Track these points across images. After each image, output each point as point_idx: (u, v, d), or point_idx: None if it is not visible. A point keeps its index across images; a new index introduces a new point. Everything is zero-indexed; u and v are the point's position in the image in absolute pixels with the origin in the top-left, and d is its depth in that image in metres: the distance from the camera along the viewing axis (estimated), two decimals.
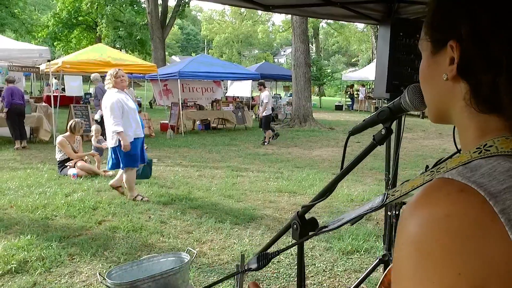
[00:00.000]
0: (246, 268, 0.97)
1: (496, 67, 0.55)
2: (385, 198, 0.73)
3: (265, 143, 10.62)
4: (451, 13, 0.59)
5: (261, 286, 3.14)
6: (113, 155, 5.01)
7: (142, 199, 5.19)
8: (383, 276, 0.91)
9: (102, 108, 5.06)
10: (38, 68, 10.91)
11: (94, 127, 7.57)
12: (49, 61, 9.74)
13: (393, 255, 0.54)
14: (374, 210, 0.77)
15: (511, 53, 0.54)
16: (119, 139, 4.84)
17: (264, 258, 0.98)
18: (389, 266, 0.90)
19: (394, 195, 0.71)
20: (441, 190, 0.52)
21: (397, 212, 2.26)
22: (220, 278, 2.91)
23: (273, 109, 18.16)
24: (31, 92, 17.12)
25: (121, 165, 5.03)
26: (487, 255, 0.47)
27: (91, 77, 9.80)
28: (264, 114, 10.56)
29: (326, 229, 0.94)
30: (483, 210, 0.49)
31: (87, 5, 27.24)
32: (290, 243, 1.02)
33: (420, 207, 0.52)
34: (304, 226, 1.04)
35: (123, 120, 4.82)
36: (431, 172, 0.63)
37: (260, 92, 11.09)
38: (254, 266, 0.99)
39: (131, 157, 4.98)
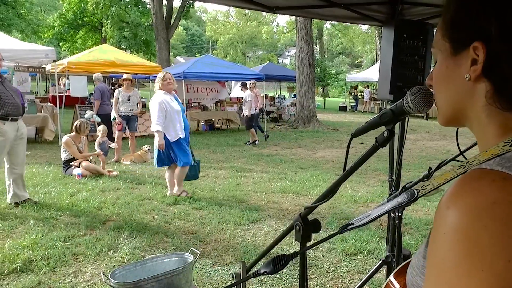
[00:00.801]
0: (260, 272, 0.96)
1: None
2: (416, 193, 0.73)
3: (248, 144, 10.39)
4: (477, 13, 0.59)
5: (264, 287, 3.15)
6: (161, 154, 5.16)
7: (186, 195, 5.39)
8: (387, 281, 0.90)
9: (150, 108, 5.22)
10: (44, 68, 10.98)
11: (101, 127, 7.56)
12: (54, 61, 9.79)
13: (429, 248, 0.54)
14: (405, 204, 0.76)
15: None
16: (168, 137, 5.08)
17: (279, 261, 0.96)
18: (395, 270, 0.89)
19: (426, 188, 0.71)
20: (484, 179, 0.53)
21: (399, 214, 2.26)
22: (227, 285, 2.93)
23: (277, 109, 18.23)
24: (37, 92, 17.23)
25: (178, 162, 5.21)
26: None
27: (93, 76, 9.85)
28: (249, 113, 10.33)
29: (352, 226, 0.92)
30: None
31: (93, 6, 27.37)
32: (297, 248, 1.02)
33: (463, 196, 0.53)
34: (307, 227, 1.05)
35: (166, 120, 5.02)
36: (461, 166, 0.64)
37: (243, 92, 10.97)
38: (269, 269, 0.96)
39: (181, 155, 5.16)
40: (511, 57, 0.57)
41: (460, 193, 0.53)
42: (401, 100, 0.92)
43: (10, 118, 4.44)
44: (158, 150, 5.14)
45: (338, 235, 3.22)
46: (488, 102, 0.60)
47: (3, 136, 4.40)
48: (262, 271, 0.97)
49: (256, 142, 10.58)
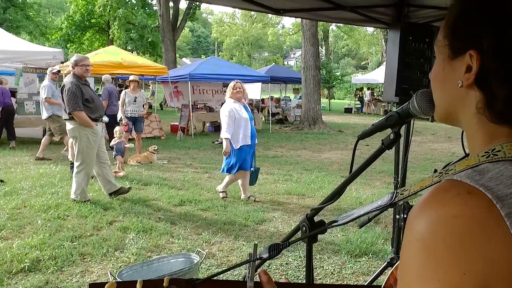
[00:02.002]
0: (258, 257, 1.00)
1: None
2: (394, 197, 0.75)
3: (216, 143, 10.22)
4: (475, 24, 0.59)
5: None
6: (229, 160, 5.33)
7: (223, 197, 5.52)
8: (388, 275, 0.93)
9: (220, 116, 5.40)
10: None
11: (117, 128, 7.41)
12: (62, 63, 9.88)
13: (400, 252, 0.56)
14: (383, 208, 0.79)
15: None
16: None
17: (275, 249, 1.01)
18: (394, 266, 0.92)
19: (403, 194, 0.73)
20: (450, 191, 0.54)
21: (405, 216, 2.26)
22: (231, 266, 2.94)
23: (283, 111, 18.24)
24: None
25: (233, 169, 5.31)
26: (492, 256, 0.48)
27: (102, 78, 9.94)
28: None
29: (336, 223, 0.96)
30: (490, 212, 0.50)
31: (100, 8, 27.59)
32: (304, 248, 1.04)
33: (429, 206, 0.54)
34: (313, 228, 1.06)
35: (234, 128, 5.16)
36: (439, 173, 0.65)
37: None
38: (265, 255, 1.02)
39: (243, 161, 5.28)
40: (501, 73, 0.57)
41: (426, 204, 0.54)
42: (407, 103, 0.94)
43: (100, 119, 5.02)
44: (225, 157, 5.33)
45: (344, 236, 3.21)
46: (478, 111, 0.60)
47: (97, 136, 4.91)
48: (261, 256, 1.02)
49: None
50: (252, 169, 5.48)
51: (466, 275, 0.48)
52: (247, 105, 5.54)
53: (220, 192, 5.59)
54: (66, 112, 4.84)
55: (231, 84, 5.34)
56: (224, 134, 5.19)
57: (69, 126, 4.89)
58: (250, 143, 5.26)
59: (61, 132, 7.91)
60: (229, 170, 5.33)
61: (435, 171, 1.55)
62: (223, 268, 3.49)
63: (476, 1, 0.61)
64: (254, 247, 1.08)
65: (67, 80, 4.87)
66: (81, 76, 4.89)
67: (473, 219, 0.50)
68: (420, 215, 0.53)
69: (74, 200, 5.03)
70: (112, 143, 7.21)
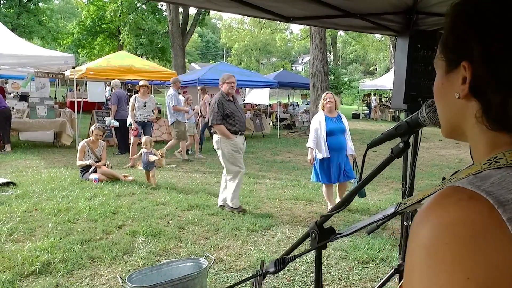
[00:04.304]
0: (264, 271, 1.02)
1: (505, 89, 0.57)
2: (397, 207, 0.77)
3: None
4: (465, 35, 0.61)
5: None
6: (316, 169, 5.41)
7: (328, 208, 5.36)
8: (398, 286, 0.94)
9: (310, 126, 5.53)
10: (63, 74, 11.24)
11: (144, 138, 6.98)
12: (73, 67, 10.02)
13: (405, 258, 0.57)
14: (387, 218, 0.80)
15: None
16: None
17: (281, 263, 1.03)
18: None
19: (406, 203, 0.74)
20: (452, 197, 0.55)
21: None
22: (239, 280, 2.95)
23: (290, 116, 18.25)
24: (55, 98, 17.61)
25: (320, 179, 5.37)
26: (494, 261, 0.49)
27: (111, 83, 10.06)
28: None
29: (341, 235, 0.97)
30: (491, 217, 0.50)
31: (111, 14, 27.90)
32: (311, 254, 1.06)
33: (431, 212, 0.54)
34: (323, 235, 1.08)
35: (318, 139, 5.28)
36: (443, 182, 0.66)
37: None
38: (271, 269, 1.03)
39: (322, 173, 5.31)
40: (493, 80, 0.58)
41: (429, 210, 0.55)
42: (416, 112, 0.95)
43: (239, 132, 5.22)
44: (314, 165, 5.37)
45: (351, 242, 3.21)
46: (477, 120, 0.61)
47: (237, 146, 5.15)
48: (268, 270, 1.03)
49: (189, 151, 9.54)
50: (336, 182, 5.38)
51: (469, 280, 0.48)
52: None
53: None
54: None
55: (323, 95, 5.48)
56: (308, 143, 5.38)
57: (214, 138, 5.26)
58: (329, 156, 5.21)
59: (178, 137, 8.79)
60: (316, 179, 5.44)
61: (444, 178, 1.56)
62: (229, 276, 3.51)
63: (463, 14, 0.63)
64: (261, 264, 1.10)
65: (215, 96, 5.30)
66: (227, 93, 5.24)
67: (475, 224, 0.50)
68: (422, 221, 0.54)
69: (232, 209, 5.17)
70: (143, 155, 6.66)
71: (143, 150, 6.69)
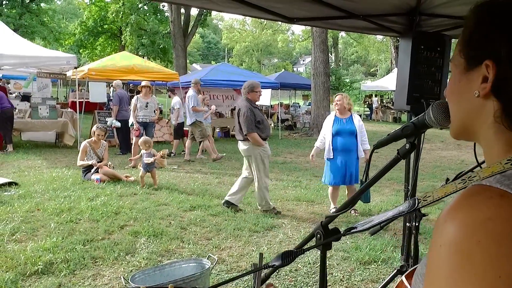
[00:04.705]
0: (269, 265, 1.01)
1: None
2: (416, 203, 0.76)
3: (172, 154, 9.39)
4: (491, 34, 0.62)
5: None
6: (327, 171, 5.42)
7: (354, 212, 5.34)
8: (399, 280, 0.94)
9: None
10: (65, 74, 11.26)
11: (142, 139, 6.82)
12: (75, 68, 10.04)
13: (427, 258, 0.57)
14: (405, 213, 0.80)
15: None
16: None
17: (288, 256, 1.01)
18: (401, 277, 0.93)
19: (427, 200, 0.73)
20: (481, 195, 0.55)
21: (417, 224, 2.26)
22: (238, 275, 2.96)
23: (292, 117, 18.26)
24: (57, 98, 17.65)
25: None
26: None
27: (113, 83, 10.08)
28: (177, 121, 9.69)
29: (355, 230, 0.96)
30: None
31: (113, 14, 27.96)
32: (314, 255, 1.06)
33: (461, 210, 0.54)
34: (328, 236, 1.08)
35: (326, 139, 5.37)
36: (462, 180, 0.65)
37: (171, 98, 10.46)
38: (277, 263, 1.02)
39: (327, 174, 5.40)
40: None
41: (457, 208, 0.55)
42: (423, 114, 0.96)
43: (267, 138, 5.36)
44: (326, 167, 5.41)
45: (353, 243, 3.21)
46: (496, 120, 0.61)
47: (267, 152, 5.30)
48: (272, 264, 1.01)
49: (172, 154, 9.42)
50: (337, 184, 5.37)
51: (502, 278, 0.48)
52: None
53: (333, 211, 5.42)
54: (241, 133, 5.22)
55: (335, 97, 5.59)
56: (316, 142, 5.54)
57: (242, 146, 5.28)
58: (332, 157, 5.24)
59: (202, 136, 8.88)
60: (323, 180, 5.51)
61: (447, 180, 1.56)
62: (231, 277, 3.51)
63: (490, 14, 0.63)
64: (259, 256, 1.09)
65: (242, 104, 5.30)
66: (253, 100, 5.33)
67: (508, 221, 0.50)
68: (451, 220, 0.54)
69: (265, 211, 5.26)
70: (143, 156, 6.59)
71: (142, 151, 6.67)
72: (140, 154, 6.88)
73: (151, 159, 6.48)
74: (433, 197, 0.71)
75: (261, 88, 5.84)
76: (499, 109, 0.61)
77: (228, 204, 5.28)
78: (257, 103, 5.60)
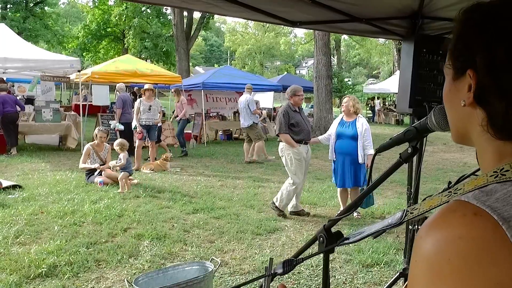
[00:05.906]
0: (272, 272, 1.03)
1: (509, 97, 0.57)
2: (403, 215, 0.77)
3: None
4: (471, 43, 0.61)
5: None
6: (334, 172, 5.50)
7: (357, 215, 5.39)
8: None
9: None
10: (69, 78, 11.31)
11: (118, 141, 6.98)
12: (79, 71, 10.09)
13: (408, 271, 0.58)
14: (393, 226, 0.81)
15: None
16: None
17: (289, 264, 1.04)
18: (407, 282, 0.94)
19: (413, 213, 0.74)
20: (456, 212, 0.54)
21: (418, 227, 2.27)
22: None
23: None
24: (61, 101, 17.73)
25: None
26: (496, 278, 0.48)
27: (116, 87, 10.12)
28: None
29: (348, 241, 0.98)
30: (495, 234, 0.50)
31: (116, 17, 28.11)
32: (314, 253, 1.07)
33: (435, 227, 0.54)
34: (331, 239, 1.09)
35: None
36: (448, 192, 0.65)
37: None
38: (279, 271, 1.04)
39: (333, 175, 5.52)
40: (497, 89, 0.58)
41: (433, 224, 0.55)
42: (425, 118, 0.96)
43: (304, 141, 5.36)
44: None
45: (356, 246, 3.20)
46: (483, 129, 0.61)
47: (299, 155, 5.28)
48: (276, 271, 1.04)
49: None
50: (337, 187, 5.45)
51: None
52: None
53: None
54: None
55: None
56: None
57: (280, 146, 5.46)
58: (335, 159, 5.32)
59: (258, 138, 9.36)
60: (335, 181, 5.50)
61: (449, 183, 1.56)
62: (234, 279, 3.51)
63: (471, 21, 0.62)
64: (270, 261, 1.11)
65: (283, 106, 5.54)
66: (295, 104, 5.46)
67: (478, 241, 0.50)
68: (427, 236, 0.54)
69: (276, 208, 5.28)
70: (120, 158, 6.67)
71: (121, 155, 6.65)
72: (119, 157, 6.74)
73: (112, 163, 6.65)
74: (419, 210, 0.72)
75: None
76: (485, 117, 0.61)
77: (294, 213, 5.39)
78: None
